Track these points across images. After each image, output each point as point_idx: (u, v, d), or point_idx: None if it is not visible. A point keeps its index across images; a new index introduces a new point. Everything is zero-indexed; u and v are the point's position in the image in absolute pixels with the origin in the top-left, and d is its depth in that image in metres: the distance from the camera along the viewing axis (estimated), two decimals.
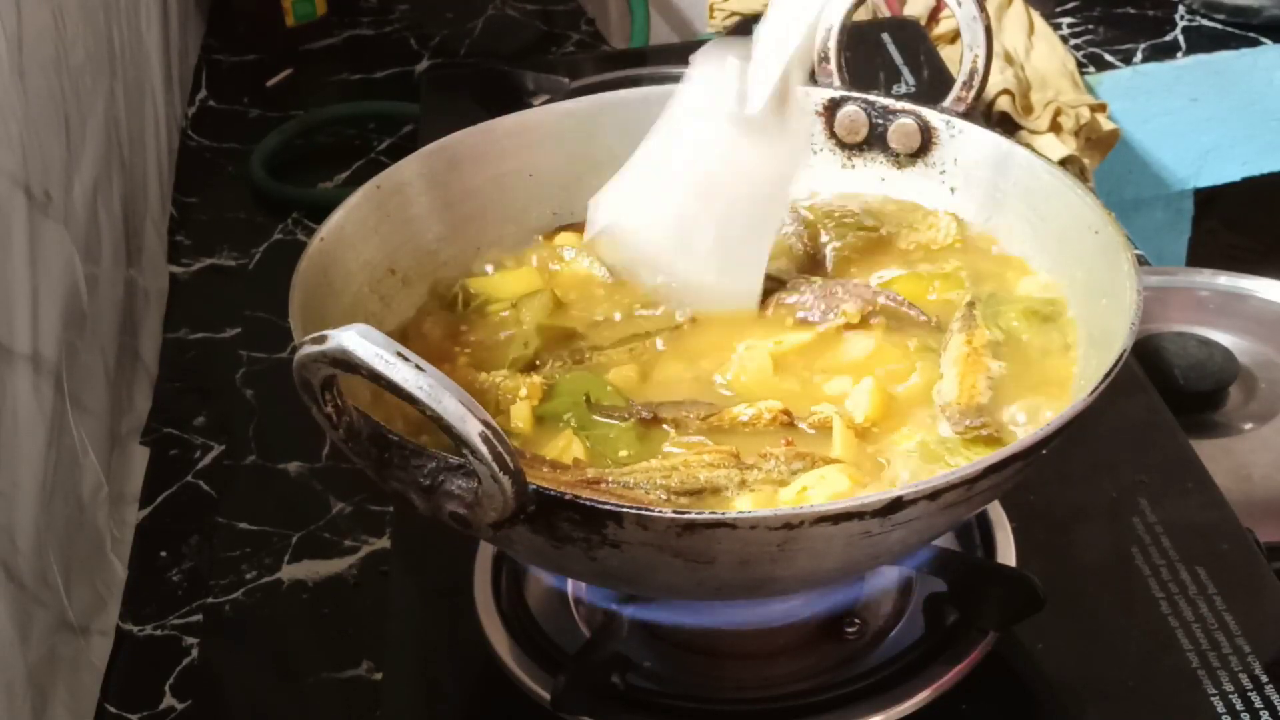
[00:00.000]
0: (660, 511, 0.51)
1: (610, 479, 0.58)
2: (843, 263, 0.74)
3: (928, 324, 0.68)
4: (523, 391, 0.64)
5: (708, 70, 0.70)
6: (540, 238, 0.77)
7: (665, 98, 0.78)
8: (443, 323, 0.71)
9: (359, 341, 0.47)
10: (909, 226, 0.75)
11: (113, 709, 0.81)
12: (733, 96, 0.69)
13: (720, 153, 0.70)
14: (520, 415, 0.63)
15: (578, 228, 0.76)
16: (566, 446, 0.62)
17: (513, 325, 0.71)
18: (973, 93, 0.75)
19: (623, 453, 0.61)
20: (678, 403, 0.64)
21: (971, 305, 0.69)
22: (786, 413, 0.63)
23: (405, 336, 0.70)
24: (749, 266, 0.71)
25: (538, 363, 0.67)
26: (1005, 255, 0.73)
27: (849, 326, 0.69)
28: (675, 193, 0.71)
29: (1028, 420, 0.63)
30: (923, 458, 0.61)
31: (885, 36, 1.23)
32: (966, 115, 0.75)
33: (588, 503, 0.51)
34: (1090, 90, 1.36)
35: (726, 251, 0.71)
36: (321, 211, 0.69)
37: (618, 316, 0.71)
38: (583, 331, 0.70)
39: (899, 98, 0.77)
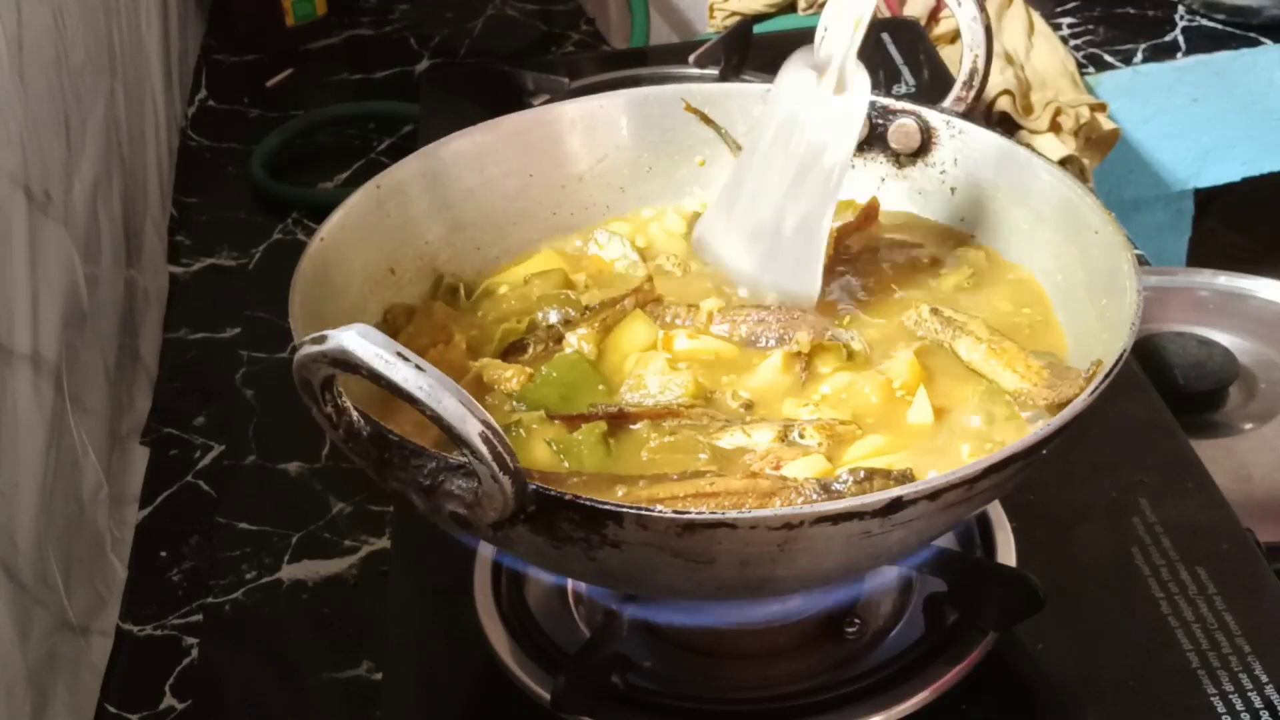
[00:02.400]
0: (660, 511, 0.51)
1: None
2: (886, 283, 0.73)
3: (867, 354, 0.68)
4: (508, 374, 0.65)
5: (791, 77, 0.71)
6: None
7: (665, 97, 0.79)
8: (444, 310, 0.71)
9: (359, 341, 0.47)
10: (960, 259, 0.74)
11: (113, 709, 0.81)
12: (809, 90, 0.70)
13: (796, 145, 0.70)
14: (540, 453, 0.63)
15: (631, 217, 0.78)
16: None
17: (516, 300, 0.71)
18: (973, 93, 0.75)
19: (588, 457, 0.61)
20: (648, 406, 0.64)
21: (935, 311, 0.68)
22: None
23: (410, 314, 0.70)
24: (808, 260, 0.70)
25: (525, 342, 0.68)
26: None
27: (798, 355, 0.67)
28: (759, 208, 0.72)
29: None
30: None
31: (885, 36, 1.23)
32: (966, 115, 0.75)
33: (588, 503, 0.51)
34: (1090, 90, 1.36)
35: (793, 251, 0.71)
36: (321, 211, 0.69)
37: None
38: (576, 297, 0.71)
39: (899, 98, 0.77)
